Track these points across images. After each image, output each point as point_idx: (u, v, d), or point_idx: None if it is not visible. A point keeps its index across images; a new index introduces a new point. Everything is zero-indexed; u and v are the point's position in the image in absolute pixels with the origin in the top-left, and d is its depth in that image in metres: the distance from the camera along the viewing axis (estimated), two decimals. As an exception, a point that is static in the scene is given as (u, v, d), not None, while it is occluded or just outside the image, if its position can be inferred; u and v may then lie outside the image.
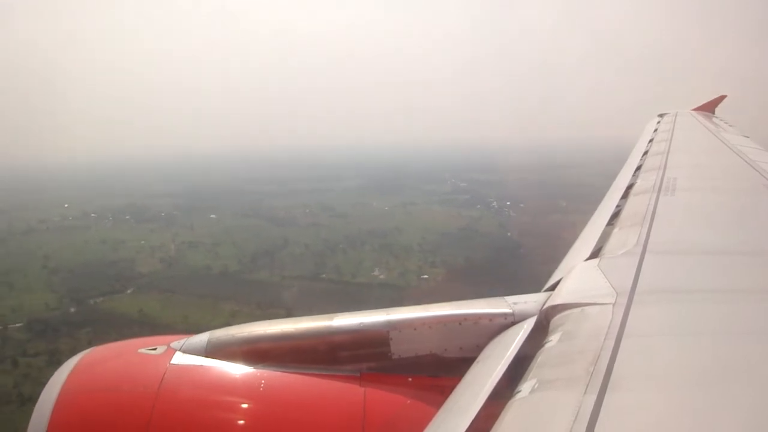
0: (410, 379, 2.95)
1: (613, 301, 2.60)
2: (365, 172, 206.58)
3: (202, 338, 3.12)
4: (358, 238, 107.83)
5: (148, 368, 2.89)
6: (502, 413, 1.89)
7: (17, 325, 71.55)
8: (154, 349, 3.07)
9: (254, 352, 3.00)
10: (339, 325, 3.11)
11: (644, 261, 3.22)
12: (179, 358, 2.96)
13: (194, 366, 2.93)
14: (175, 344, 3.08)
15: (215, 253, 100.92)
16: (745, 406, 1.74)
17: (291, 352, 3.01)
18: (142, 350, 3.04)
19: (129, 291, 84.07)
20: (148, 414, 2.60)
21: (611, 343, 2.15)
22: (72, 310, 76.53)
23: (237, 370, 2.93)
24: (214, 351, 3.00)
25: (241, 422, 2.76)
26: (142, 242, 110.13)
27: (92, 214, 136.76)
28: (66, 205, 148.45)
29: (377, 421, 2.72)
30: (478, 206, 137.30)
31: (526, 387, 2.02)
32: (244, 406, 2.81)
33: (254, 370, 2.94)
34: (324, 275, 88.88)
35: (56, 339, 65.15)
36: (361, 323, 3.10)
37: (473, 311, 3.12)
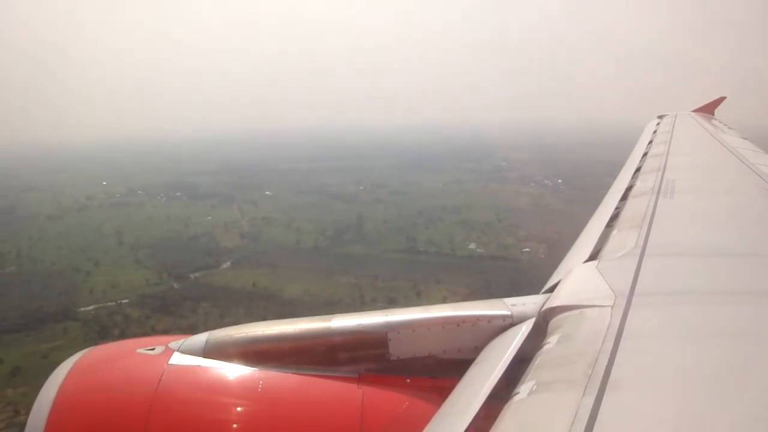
0: (408, 381, 2.90)
1: (612, 303, 2.58)
2: (393, 152, 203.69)
3: (200, 338, 3.01)
4: (433, 214, 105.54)
5: (146, 369, 2.81)
6: (501, 415, 1.89)
7: (124, 301, 67.91)
8: (152, 349, 2.96)
9: (252, 353, 2.92)
10: (337, 326, 3.03)
11: (643, 263, 3.18)
12: (177, 359, 2.88)
13: (192, 366, 2.86)
14: (173, 344, 2.98)
15: (295, 228, 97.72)
16: (743, 408, 1.73)
17: (289, 353, 2.94)
18: (140, 350, 2.95)
19: (225, 265, 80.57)
20: (145, 415, 2.57)
21: (609, 345, 2.15)
22: (175, 285, 72.81)
23: (235, 370, 2.86)
24: (212, 351, 2.93)
25: (239, 423, 2.67)
26: (209, 218, 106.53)
27: (139, 191, 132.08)
28: (104, 183, 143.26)
29: (375, 422, 2.67)
30: (532, 184, 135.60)
31: (524, 389, 2.01)
32: (242, 406, 2.73)
33: (252, 370, 2.86)
34: (421, 249, 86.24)
35: (183, 314, 61.80)
36: (359, 324, 3.03)
37: (472, 313, 3.05)
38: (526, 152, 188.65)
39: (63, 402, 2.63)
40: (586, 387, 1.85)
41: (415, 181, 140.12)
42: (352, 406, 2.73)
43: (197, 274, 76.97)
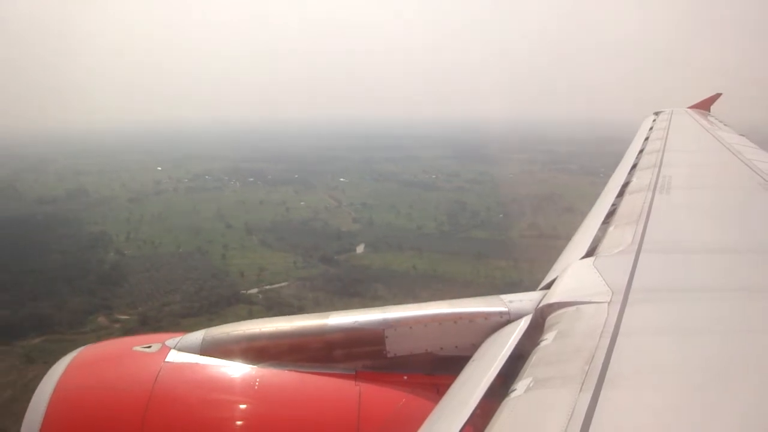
0: (406, 377, 2.89)
1: (609, 300, 2.59)
2: (431, 143, 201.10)
3: (197, 336, 3.00)
4: (530, 202, 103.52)
5: (142, 366, 2.82)
6: (498, 411, 1.90)
7: (283, 284, 64.04)
8: (149, 346, 2.94)
9: (249, 351, 2.90)
10: (334, 323, 3.01)
11: (639, 259, 3.20)
12: (174, 356, 2.87)
13: (189, 364, 2.84)
14: (170, 342, 2.97)
15: (403, 213, 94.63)
16: (740, 405, 1.73)
17: (286, 351, 2.91)
18: (137, 348, 2.94)
19: (360, 249, 77.03)
20: (142, 412, 2.57)
21: (606, 341, 2.16)
22: (329, 268, 69.01)
23: (232, 368, 2.84)
24: (209, 349, 2.92)
25: (236, 420, 2.67)
26: (302, 203, 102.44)
27: (206, 177, 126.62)
28: (159, 168, 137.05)
29: (372, 419, 2.66)
30: (601, 174, 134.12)
31: (521, 385, 2.01)
32: (239, 404, 2.72)
33: (249, 368, 2.84)
34: (554, 234, 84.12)
35: (369, 295, 58.25)
36: (356, 322, 3.01)
37: (469, 310, 3.03)
38: (564, 145, 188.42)
39: (60, 399, 2.60)
40: (583, 383, 1.84)
41: (482, 170, 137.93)
42: (349, 403, 2.70)
43: (339, 257, 73.43)
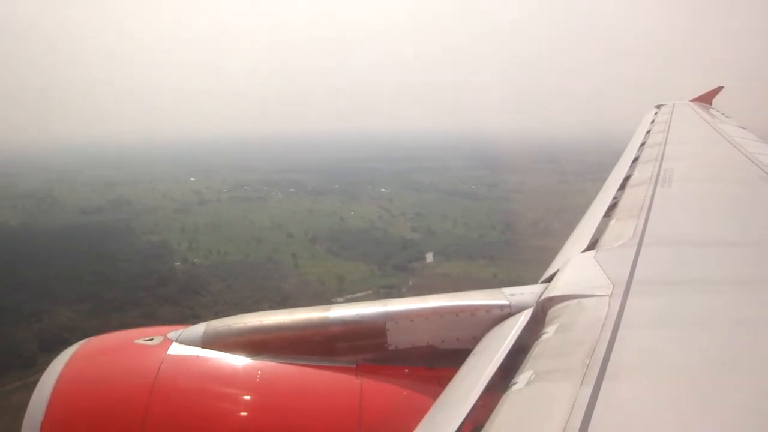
0: (407, 370, 2.91)
1: (610, 293, 2.59)
2: (454, 153, 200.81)
3: (198, 329, 2.98)
4: (583, 212, 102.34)
5: (144, 359, 2.83)
6: (499, 405, 1.90)
7: (367, 293, 62.80)
8: (151, 339, 2.95)
9: (251, 343, 2.90)
10: (336, 316, 3.01)
11: (641, 252, 3.20)
12: (176, 349, 2.88)
13: (190, 356, 2.85)
14: (171, 335, 2.98)
15: (459, 223, 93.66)
16: (741, 398, 1.73)
17: (287, 343, 2.92)
18: (139, 341, 2.95)
19: (429, 258, 75.98)
20: (144, 404, 2.59)
21: (607, 334, 2.16)
22: (407, 276, 67.91)
23: (233, 360, 2.85)
24: (210, 342, 2.91)
25: (238, 413, 2.69)
26: (351, 213, 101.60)
27: (245, 187, 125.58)
28: (193, 179, 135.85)
29: (373, 412, 2.68)
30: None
31: (522, 378, 2.01)
32: (241, 396, 2.73)
33: (250, 360, 2.84)
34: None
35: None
36: (357, 314, 3.00)
37: (470, 303, 3.01)
38: (589, 155, 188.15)
39: (62, 391, 2.63)
40: (584, 377, 1.84)
41: (521, 180, 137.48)
42: (351, 395, 2.72)
43: (411, 265, 72.34)
